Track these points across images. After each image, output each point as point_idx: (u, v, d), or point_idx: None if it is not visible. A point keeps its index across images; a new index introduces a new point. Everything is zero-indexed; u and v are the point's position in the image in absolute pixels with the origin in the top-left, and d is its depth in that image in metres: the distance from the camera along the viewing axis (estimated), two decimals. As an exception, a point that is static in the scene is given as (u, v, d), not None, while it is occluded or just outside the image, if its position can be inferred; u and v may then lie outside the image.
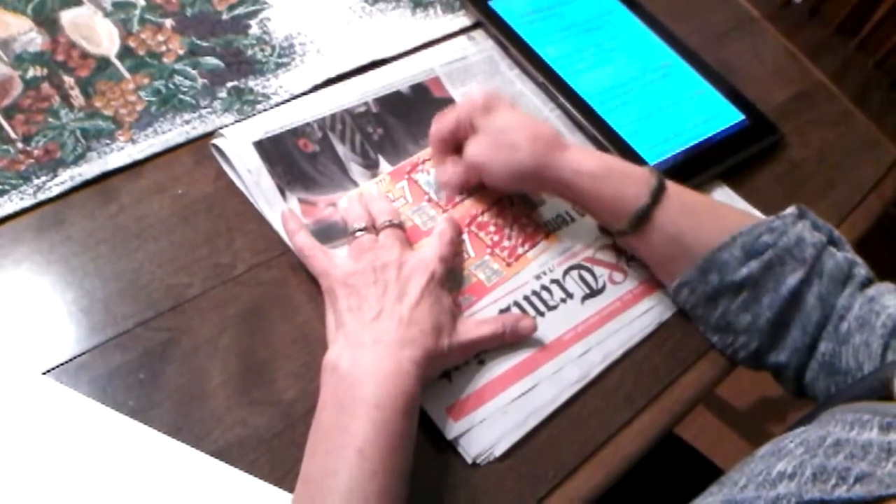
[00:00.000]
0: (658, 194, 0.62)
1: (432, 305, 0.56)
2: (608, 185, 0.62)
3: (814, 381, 0.61)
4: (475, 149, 0.63)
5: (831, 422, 0.46)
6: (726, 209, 0.67)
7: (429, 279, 0.57)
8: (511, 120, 0.63)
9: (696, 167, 0.76)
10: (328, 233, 0.62)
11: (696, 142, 0.78)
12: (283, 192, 0.63)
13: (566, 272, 0.66)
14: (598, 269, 0.67)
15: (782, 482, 0.43)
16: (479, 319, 0.60)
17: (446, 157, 0.67)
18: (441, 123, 0.66)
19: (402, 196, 0.66)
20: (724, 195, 0.76)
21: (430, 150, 0.68)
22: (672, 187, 0.63)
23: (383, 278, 0.56)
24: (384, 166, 0.68)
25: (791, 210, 0.63)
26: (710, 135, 0.79)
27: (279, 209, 0.62)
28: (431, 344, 0.54)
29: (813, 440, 0.45)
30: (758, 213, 0.75)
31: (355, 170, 0.67)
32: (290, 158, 0.65)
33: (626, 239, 0.65)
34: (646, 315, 0.66)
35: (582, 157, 0.63)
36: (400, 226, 0.61)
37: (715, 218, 0.64)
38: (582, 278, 0.66)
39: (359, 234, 0.60)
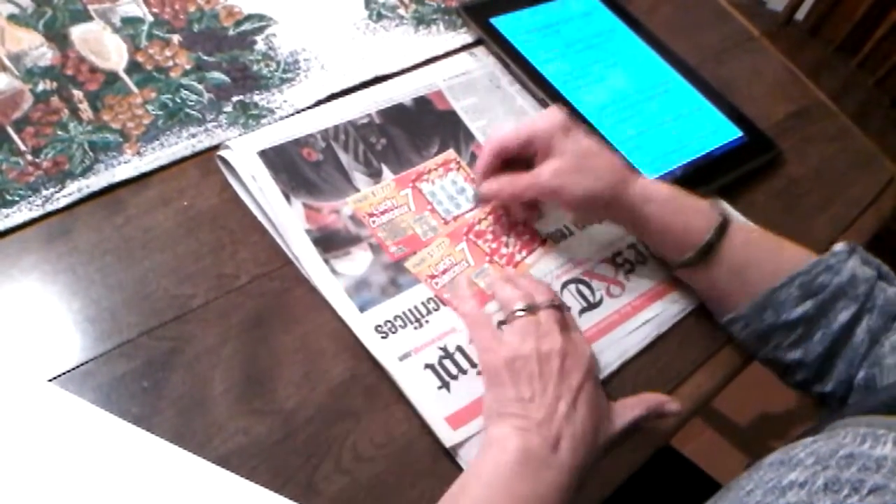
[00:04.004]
0: (724, 227, 0.63)
1: (593, 407, 0.56)
2: (676, 217, 0.63)
3: None
4: (553, 172, 0.62)
5: (842, 433, 0.46)
6: (783, 244, 0.67)
7: (587, 373, 0.57)
8: (592, 145, 0.64)
9: (694, 182, 0.77)
10: (331, 240, 0.63)
11: (694, 157, 0.79)
12: (287, 198, 0.64)
13: (564, 286, 0.67)
14: (595, 283, 0.68)
15: (792, 490, 0.43)
16: (626, 404, 0.59)
17: (497, 167, 0.66)
18: (509, 139, 0.64)
19: (406, 204, 0.67)
20: (721, 210, 0.77)
21: (484, 155, 0.66)
22: (735, 222, 0.64)
23: (547, 368, 0.56)
24: (387, 175, 0.69)
25: (842, 246, 0.64)
26: (708, 151, 0.81)
27: (284, 214, 0.63)
28: (592, 450, 0.54)
29: (824, 452, 0.45)
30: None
31: (358, 178, 0.68)
32: (294, 166, 0.66)
33: (688, 271, 0.66)
34: (643, 327, 0.66)
35: (652, 188, 0.64)
36: (559, 307, 0.60)
37: (776, 253, 0.65)
38: (580, 292, 0.67)
39: (519, 314, 0.59)
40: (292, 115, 0.70)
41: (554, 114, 0.64)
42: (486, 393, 0.57)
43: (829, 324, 0.61)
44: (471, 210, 0.69)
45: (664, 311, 0.68)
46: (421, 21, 0.83)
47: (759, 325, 0.63)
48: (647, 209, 0.63)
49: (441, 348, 0.60)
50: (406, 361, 0.59)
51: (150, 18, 0.74)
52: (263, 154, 0.65)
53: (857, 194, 0.86)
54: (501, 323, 0.61)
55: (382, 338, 0.59)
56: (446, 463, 0.56)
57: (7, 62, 0.67)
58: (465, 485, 0.52)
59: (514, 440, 0.52)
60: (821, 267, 0.62)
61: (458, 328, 0.62)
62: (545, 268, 0.67)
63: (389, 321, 0.60)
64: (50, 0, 0.72)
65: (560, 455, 0.52)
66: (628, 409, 0.59)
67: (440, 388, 0.58)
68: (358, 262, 0.63)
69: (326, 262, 0.62)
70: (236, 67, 0.73)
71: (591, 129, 0.77)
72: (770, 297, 0.62)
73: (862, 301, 0.61)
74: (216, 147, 0.66)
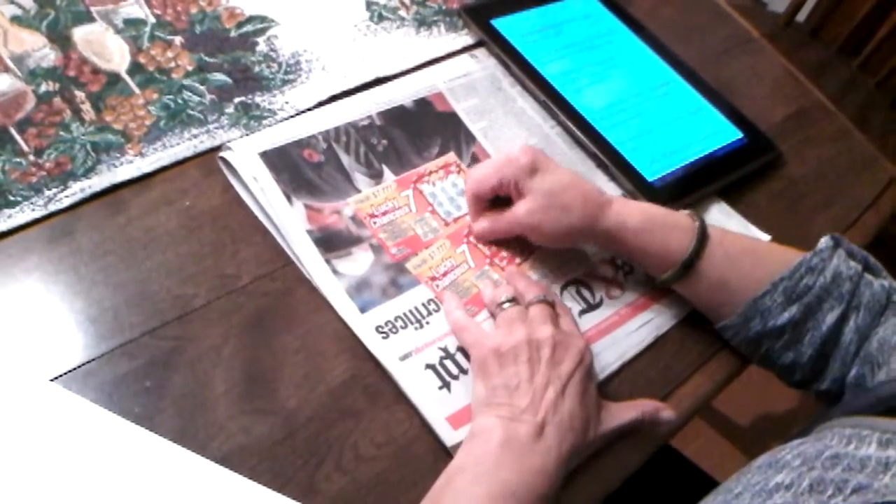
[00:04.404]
0: (701, 244, 0.63)
1: (582, 397, 0.56)
2: (653, 238, 0.64)
3: None
4: (526, 212, 0.63)
5: (828, 435, 0.47)
6: (766, 250, 0.67)
7: (578, 363, 0.57)
8: (559, 181, 0.63)
9: (694, 184, 0.77)
10: (332, 240, 0.63)
11: (694, 159, 0.79)
12: (289, 199, 0.64)
13: (564, 287, 0.67)
14: (595, 285, 0.68)
15: (778, 492, 0.43)
16: (621, 406, 0.59)
17: (481, 209, 0.67)
18: (481, 181, 0.65)
19: (406, 205, 0.68)
20: (721, 212, 0.78)
21: (467, 204, 0.68)
22: (714, 234, 0.64)
23: (537, 355, 0.56)
24: (388, 176, 0.69)
25: (826, 242, 0.64)
26: (708, 152, 0.81)
27: (286, 214, 0.63)
28: (580, 440, 0.55)
29: (811, 453, 0.45)
30: (755, 230, 0.76)
31: (360, 179, 0.68)
32: (296, 167, 0.66)
33: (670, 286, 0.66)
34: (642, 328, 0.67)
35: (627, 212, 0.64)
36: (551, 304, 0.61)
37: (757, 262, 0.64)
38: (580, 293, 0.67)
39: (506, 305, 0.60)
40: (294, 116, 0.71)
41: (517, 156, 0.64)
42: (474, 385, 0.57)
43: (817, 326, 0.62)
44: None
45: (663, 313, 0.68)
46: (422, 23, 0.84)
47: (748, 333, 0.64)
48: (623, 235, 0.63)
49: (442, 349, 0.60)
50: (407, 361, 0.59)
51: (152, 20, 0.74)
52: (265, 155, 0.65)
53: (858, 196, 0.86)
54: None
55: (383, 338, 0.59)
56: (447, 463, 0.56)
57: (10, 63, 0.67)
58: (450, 477, 0.52)
59: (497, 430, 0.53)
60: (803, 269, 0.62)
61: (459, 329, 0.62)
62: (545, 270, 0.67)
63: (390, 322, 0.60)
64: (53, 1, 0.72)
65: (545, 441, 0.53)
66: (623, 412, 0.59)
67: (441, 388, 0.58)
68: (359, 262, 0.63)
69: (328, 262, 0.62)
70: (238, 69, 0.73)
71: (590, 130, 0.78)
72: (755, 305, 0.62)
73: (847, 300, 0.61)
74: (218, 148, 0.67)
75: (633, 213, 0.64)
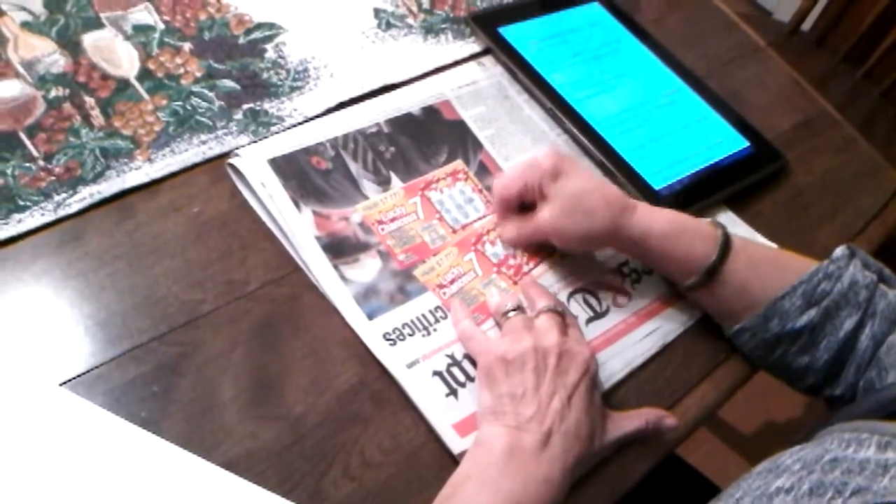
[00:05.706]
0: (725, 250, 0.63)
1: (588, 407, 0.56)
2: (677, 245, 0.64)
3: None
4: (549, 216, 0.64)
5: (828, 440, 0.48)
6: (787, 258, 0.67)
7: (584, 373, 0.57)
8: (582, 186, 0.64)
9: (700, 193, 0.77)
10: (340, 246, 0.63)
11: (700, 168, 0.80)
12: (297, 205, 0.64)
13: (571, 295, 0.67)
14: (602, 293, 0.68)
15: (779, 496, 0.44)
16: (625, 415, 0.60)
17: (509, 215, 0.68)
18: (507, 186, 0.66)
19: (414, 212, 0.68)
20: (727, 220, 0.78)
21: (494, 209, 0.69)
22: (737, 241, 0.64)
23: (543, 364, 0.56)
24: (396, 183, 0.69)
25: (842, 251, 0.64)
26: (714, 161, 0.81)
27: (294, 221, 0.63)
28: (585, 450, 0.55)
29: (810, 458, 0.46)
30: (761, 239, 0.76)
31: (367, 186, 0.68)
32: (304, 174, 0.66)
33: (693, 293, 0.66)
34: (649, 337, 0.67)
35: (651, 218, 0.64)
36: (561, 313, 0.61)
37: (778, 269, 0.64)
38: (586, 301, 0.67)
39: (511, 314, 0.60)
40: (302, 123, 0.71)
41: (541, 161, 0.64)
42: (480, 393, 0.57)
43: (834, 331, 0.62)
44: (478, 220, 0.69)
45: (670, 321, 0.68)
46: (429, 30, 0.84)
47: (765, 335, 0.64)
48: (647, 242, 0.63)
49: (449, 356, 0.61)
50: (414, 368, 0.59)
51: (161, 26, 0.75)
52: (273, 162, 0.65)
53: (864, 204, 0.86)
54: None
55: (391, 345, 0.60)
56: (453, 470, 0.56)
57: (20, 69, 0.68)
58: (455, 487, 0.52)
59: (502, 439, 0.53)
60: (821, 274, 0.62)
61: (466, 336, 0.62)
62: (552, 278, 0.67)
63: (398, 329, 0.61)
64: (63, 7, 0.72)
65: (551, 450, 0.53)
66: (627, 421, 0.59)
67: (448, 395, 0.59)
68: (367, 269, 0.63)
69: (335, 268, 0.62)
70: (246, 75, 0.73)
71: (597, 139, 0.78)
72: (774, 307, 0.62)
73: (864, 307, 0.61)
74: (226, 154, 0.67)
75: (657, 220, 0.64)
